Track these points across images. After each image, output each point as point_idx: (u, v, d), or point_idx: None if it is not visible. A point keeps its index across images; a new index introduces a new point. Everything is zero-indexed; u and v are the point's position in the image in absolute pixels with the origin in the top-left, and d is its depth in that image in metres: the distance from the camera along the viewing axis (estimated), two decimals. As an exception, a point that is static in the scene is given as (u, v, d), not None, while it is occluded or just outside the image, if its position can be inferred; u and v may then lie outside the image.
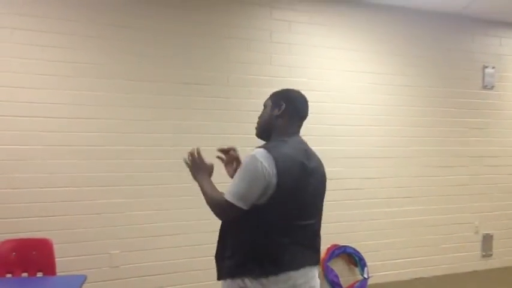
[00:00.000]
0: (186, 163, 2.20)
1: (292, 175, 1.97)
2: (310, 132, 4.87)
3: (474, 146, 5.83)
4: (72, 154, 4.10)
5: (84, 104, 4.15)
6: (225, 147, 2.35)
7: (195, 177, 2.17)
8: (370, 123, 5.29)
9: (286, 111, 2.15)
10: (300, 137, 2.18)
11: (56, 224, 4.01)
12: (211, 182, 2.13)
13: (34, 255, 3.46)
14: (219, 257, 2.07)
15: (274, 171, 1.91)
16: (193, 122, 4.46)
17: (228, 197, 1.94)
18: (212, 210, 2.01)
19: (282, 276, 1.93)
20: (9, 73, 3.93)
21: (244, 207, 1.93)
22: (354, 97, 5.21)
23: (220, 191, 2.06)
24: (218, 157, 2.37)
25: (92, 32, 4.19)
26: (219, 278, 2.06)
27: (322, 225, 4.90)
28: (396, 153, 5.41)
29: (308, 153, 2.11)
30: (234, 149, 2.36)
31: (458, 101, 5.76)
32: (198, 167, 2.18)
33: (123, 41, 4.29)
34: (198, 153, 2.19)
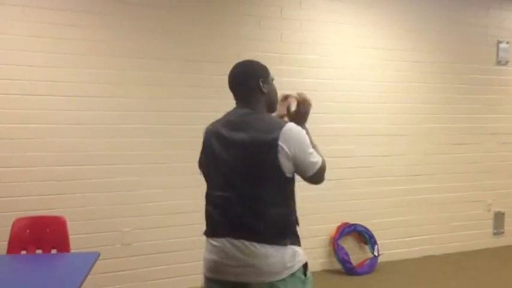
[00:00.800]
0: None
1: (207, 146, 2.14)
2: (321, 110, 4.86)
3: (487, 123, 5.77)
4: (85, 132, 4.12)
5: (95, 82, 4.15)
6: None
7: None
8: (382, 101, 5.23)
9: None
10: (238, 109, 2.12)
11: (69, 201, 4.05)
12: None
13: (48, 233, 3.50)
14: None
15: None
16: (205, 100, 4.44)
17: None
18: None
19: (208, 242, 2.14)
20: (21, 51, 3.92)
21: None
22: (365, 74, 5.15)
23: None
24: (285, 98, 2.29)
25: (103, 9, 4.16)
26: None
27: (333, 203, 4.90)
28: (408, 131, 5.36)
29: (235, 125, 2.03)
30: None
31: (471, 77, 5.67)
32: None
33: (135, 19, 4.26)
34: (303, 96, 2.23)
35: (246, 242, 1.93)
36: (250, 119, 2.02)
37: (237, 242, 1.94)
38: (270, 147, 1.91)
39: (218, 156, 2.03)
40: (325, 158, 2.04)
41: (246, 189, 1.96)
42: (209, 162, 2.09)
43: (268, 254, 1.91)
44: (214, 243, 2.02)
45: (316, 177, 2.02)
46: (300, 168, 1.98)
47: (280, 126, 1.95)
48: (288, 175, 1.97)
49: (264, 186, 1.95)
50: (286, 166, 1.94)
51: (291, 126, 1.98)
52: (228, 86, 2.18)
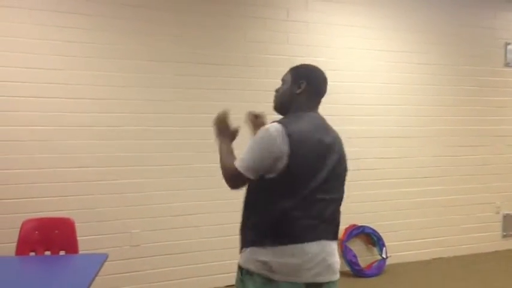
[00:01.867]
0: (213, 123, 2.24)
1: (307, 150, 1.97)
2: (329, 112, 4.79)
3: (496, 125, 5.74)
4: (92, 135, 4.14)
5: (102, 84, 4.17)
6: (256, 112, 2.36)
7: (217, 136, 2.21)
8: (389, 103, 5.22)
9: (306, 90, 2.14)
10: (318, 113, 2.18)
11: (78, 203, 4.07)
12: (229, 147, 2.15)
13: (56, 234, 3.51)
14: (242, 227, 2.09)
15: (287, 145, 1.92)
16: (211, 102, 4.44)
17: (237, 164, 1.98)
18: (223, 174, 2.05)
19: (295, 248, 1.94)
20: (28, 54, 3.95)
21: (252, 177, 1.96)
22: (372, 76, 5.15)
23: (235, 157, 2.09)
24: (248, 120, 2.37)
25: (110, 12, 4.18)
26: (241, 248, 2.06)
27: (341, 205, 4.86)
28: (415, 133, 5.34)
29: (325, 128, 2.11)
30: (263, 115, 2.36)
31: (479, 79, 5.65)
32: (222, 129, 2.21)
33: (141, 22, 4.28)
34: (225, 113, 2.23)
35: (336, 243, 2.13)
36: (328, 124, 2.18)
37: (334, 243, 2.09)
38: (344, 155, 2.21)
39: (320, 159, 2.03)
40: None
41: (341, 192, 2.21)
42: (306, 165, 1.98)
43: None
44: (308, 246, 1.96)
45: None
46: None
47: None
48: None
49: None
50: None
51: None
52: (321, 89, 2.26)
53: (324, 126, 2.11)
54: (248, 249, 2.00)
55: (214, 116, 2.23)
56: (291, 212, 1.95)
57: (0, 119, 3.88)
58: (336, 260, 2.06)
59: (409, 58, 5.31)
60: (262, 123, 2.30)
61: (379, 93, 5.17)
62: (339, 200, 2.15)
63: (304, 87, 2.14)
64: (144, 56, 4.30)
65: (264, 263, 1.93)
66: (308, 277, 1.94)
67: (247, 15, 4.66)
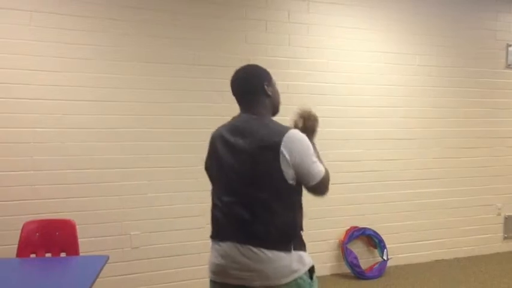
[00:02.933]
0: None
1: (212, 152, 2.17)
2: (330, 114, 4.85)
3: (497, 126, 5.73)
4: (92, 136, 4.14)
5: (103, 86, 4.17)
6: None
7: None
8: (390, 105, 5.22)
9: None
10: (242, 115, 2.12)
11: (78, 205, 4.07)
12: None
13: (57, 236, 3.52)
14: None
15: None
16: (212, 104, 4.45)
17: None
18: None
19: (212, 245, 2.16)
20: (29, 56, 3.96)
21: None
22: (373, 78, 5.15)
23: None
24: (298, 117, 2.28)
25: (110, 14, 4.19)
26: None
27: (342, 207, 4.90)
28: (417, 135, 5.34)
29: (240, 132, 2.04)
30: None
31: (481, 80, 5.64)
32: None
33: (142, 23, 4.29)
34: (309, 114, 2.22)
35: (252, 248, 1.93)
36: (255, 124, 2.02)
37: (242, 247, 1.95)
38: (272, 153, 1.92)
39: (224, 161, 2.04)
40: (329, 170, 2.02)
41: (251, 194, 1.97)
42: (215, 167, 2.11)
43: (274, 259, 1.92)
44: (220, 247, 2.03)
45: (319, 188, 2.00)
46: (302, 176, 1.96)
47: (283, 132, 1.95)
48: (290, 182, 1.95)
49: (267, 192, 1.95)
50: (288, 173, 1.93)
51: (294, 132, 1.98)
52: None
53: (238, 128, 2.06)
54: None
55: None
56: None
57: (1, 121, 3.88)
58: (223, 261, 2.04)
59: (411, 60, 5.31)
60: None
61: (380, 95, 5.16)
62: (244, 204, 2.00)
63: None
64: (144, 58, 4.30)
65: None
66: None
67: (248, 17, 4.66)
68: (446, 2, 5.46)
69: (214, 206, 2.11)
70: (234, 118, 2.14)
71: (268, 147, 1.93)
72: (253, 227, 1.95)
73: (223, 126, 2.14)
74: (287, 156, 1.91)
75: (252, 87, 2.11)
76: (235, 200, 2.00)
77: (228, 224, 2.02)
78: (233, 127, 2.07)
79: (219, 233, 2.07)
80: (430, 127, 5.40)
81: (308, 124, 2.17)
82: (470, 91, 5.59)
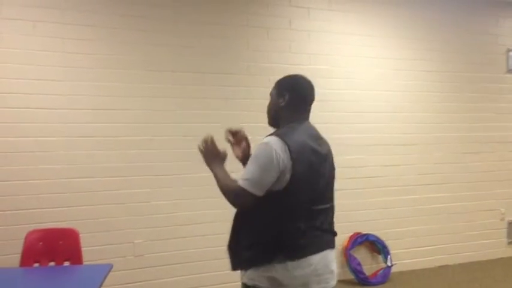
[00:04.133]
0: (200, 150, 2.21)
1: (305, 161, 1.98)
2: (332, 120, 4.86)
3: (499, 131, 5.73)
4: (95, 145, 4.15)
5: (105, 95, 4.19)
6: (233, 128, 2.35)
7: (208, 164, 2.18)
8: (392, 110, 5.22)
9: (290, 101, 2.13)
10: (309, 123, 2.17)
11: (81, 214, 4.07)
12: (224, 170, 2.13)
13: (61, 245, 3.52)
14: (235, 247, 2.06)
15: (288, 157, 1.93)
16: (213, 111, 4.46)
17: (243, 183, 1.94)
18: (226, 197, 2.01)
19: (303, 261, 1.95)
20: (32, 65, 3.98)
21: (259, 194, 1.94)
22: (375, 83, 5.15)
23: (233, 178, 2.06)
24: (227, 139, 2.35)
25: (111, 23, 4.21)
26: (235, 268, 2.05)
27: (345, 213, 4.89)
28: (419, 140, 5.34)
29: (318, 138, 2.12)
30: (242, 131, 2.36)
31: (482, 85, 5.65)
32: (212, 154, 2.18)
33: (143, 32, 4.31)
34: (212, 140, 2.19)
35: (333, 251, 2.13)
36: (319, 134, 2.16)
37: (332, 252, 2.11)
38: (334, 164, 2.20)
39: (316, 169, 2.04)
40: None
41: (332, 199, 2.17)
42: (306, 176, 1.99)
43: None
44: (315, 258, 1.99)
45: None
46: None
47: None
48: None
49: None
50: None
51: None
52: (309, 98, 2.21)
53: (316, 136, 2.12)
54: (250, 270, 2.00)
55: (200, 140, 2.23)
56: (295, 225, 1.96)
57: (5, 130, 3.90)
58: (335, 267, 2.11)
59: (412, 65, 5.32)
60: (244, 138, 2.34)
61: (381, 101, 5.17)
62: (333, 208, 2.16)
63: (288, 98, 2.13)
64: (147, 66, 4.32)
65: (273, 279, 1.94)
66: (315, 286, 1.96)
67: (250, 25, 4.68)
68: (447, 7, 5.47)
69: (301, 219, 1.99)
70: (305, 125, 2.13)
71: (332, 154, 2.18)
72: (335, 231, 2.16)
73: (296, 133, 2.03)
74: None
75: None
76: (328, 207, 2.11)
77: (324, 233, 2.07)
78: (313, 135, 2.11)
79: (315, 246, 2.01)
80: (432, 132, 5.40)
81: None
82: (471, 96, 5.59)
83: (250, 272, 2.00)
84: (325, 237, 2.05)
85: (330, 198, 2.13)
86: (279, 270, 1.93)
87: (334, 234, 2.14)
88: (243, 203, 1.99)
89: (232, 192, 1.99)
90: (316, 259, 1.98)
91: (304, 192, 1.98)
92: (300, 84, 2.19)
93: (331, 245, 2.09)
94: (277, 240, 1.95)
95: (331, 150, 2.18)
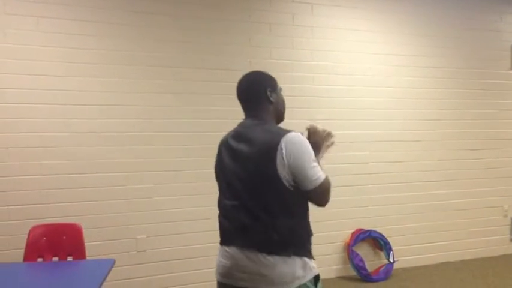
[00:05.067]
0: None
1: (218, 156, 2.19)
2: (334, 116, 4.86)
3: (503, 128, 5.71)
4: (98, 140, 4.16)
5: (108, 90, 4.20)
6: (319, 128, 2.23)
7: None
8: (395, 107, 5.21)
9: None
10: (246, 121, 2.12)
11: (84, 209, 4.09)
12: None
13: (64, 240, 3.54)
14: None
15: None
16: (216, 107, 4.47)
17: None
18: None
19: (220, 249, 2.17)
20: (36, 61, 3.99)
21: None
22: (377, 80, 5.14)
23: None
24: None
25: (115, 19, 4.22)
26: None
27: (347, 209, 4.88)
28: (422, 137, 5.33)
29: (241, 137, 2.05)
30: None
31: (486, 82, 5.63)
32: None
33: (147, 27, 4.31)
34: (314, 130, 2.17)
35: (256, 252, 1.93)
36: (257, 129, 2.02)
37: (247, 251, 1.96)
38: (270, 156, 1.90)
39: (227, 166, 2.08)
40: (336, 171, 1.99)
41: (252, 199, 1.96)
42: (220, 172, 2.15)
43: (278, 265, 1.91)
44: (226, 249, 2.06)
45: (316, 194, 1.95)
46: (299, 180, 1.92)
47: (283, 134, 1.93)
48: (288, 185, 1.92)
49: (268, 197, 1.93)
50: (284, 176, 1.90)
51: (294, 134, 1.94)
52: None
53: (241, 134, 2.07)
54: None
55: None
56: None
57: (9, 126, 3.91)
58: (245, 267, 1.97)
59: (415, 62, 5.31)
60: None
61: (384, 97, 5.16)
62: (246, 207, 1.99)
63: None
64: (150, 62, 4.32)
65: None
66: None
67: (252, 21, 4.68)
68: (450, 3, 5.45)
69: (220, 211, 2.16)
70: (239, 124, 2.15)
71: (268, 149, 1.91)
72: (255, 231, 1.95)
73: (230, 132, 2.17)
74: (284, 157, 1.88)
75: (255, 93, 2.12)
76: (238, 205, 2.00)
77: (232, 229, 2.04)
78: (237, 133, 2.10)
79: (225, 238, 2.11)
80: (435, 129, 5.39)
81: (313, 139, 2.12)
82: (475, 92, 5.58)
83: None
84: (232, 232, 2.04)
85: (239, 197, 2.00)
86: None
87: (244, 232, 1.99)
88: None
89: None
90: (223, 251, 2.07)
91: (219, 186, 2.16)
92: (237, 85, 2.22)
93: (236, 242, 2.01)
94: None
95: (262, 149, 1.94)
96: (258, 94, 2.11)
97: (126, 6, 4.25)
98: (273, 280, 1.91)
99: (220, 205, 2.15)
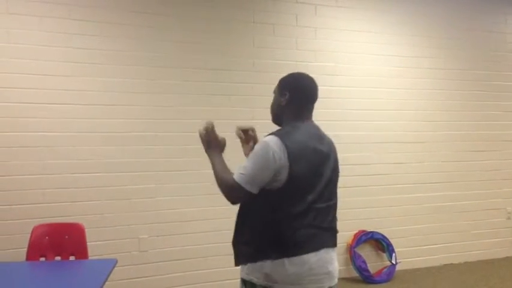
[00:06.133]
0: (200, 136, 2.20)
1: (304, 161, 1.98)
2: (337, 117, 4.85)
3: (506, 129, 5.70)
4: (101, 140, 4.17)
5: (111, 91, 4.20)
6: (245, 126, 2.34)
7: (207, 151, 2.18)
8: (398, 108, 5.20)
9: (291, 100, 2.13)
10: (312, 122, 2.15)
11: (87, 209, 4.10)
12: (222, 161, 2.12)
13: (66, 240, 3.54)
14: (236, 243, 2.09)
15: (286, 157, 1.93)
16: (218, 107, 4.46)
17: (237, 178, 1.95)
18: (221, 189, 2.01)
19: (299, 259, 1.95)
20: (38, 61, 3.99)
21: (252, 191, 1.94)
22: (381, 81, 5.14)
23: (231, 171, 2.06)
24: (238, 135, 2.34)
25: (118, 19, 4.22)
26: (237, 263, 2.07)
27: (350, 210, 4.88)
28: (425, 138, 5.32)
29: (321, 138, 2.11)
30: (252, 129, 2.35)
31: (489, 83, 5.62)
32: (211, 141, 2.18)
33: (149, 28, 4.31)
34: (212, 127, 2.18)
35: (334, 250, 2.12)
36: (322, 131, 2.15)
37: (332, 250, 2.08)
38: (337, 155, 2.17)
39: (316, 169, 2.04)
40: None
41: (334, 199, 2.14)
42: (305, 176, 2.00)
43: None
44: (322, 253, 2.02)
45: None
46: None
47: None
48: None
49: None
50: None
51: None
52: (312, 97, 2.18)
53: (318, 135, 2.10)
54: (247, 265, 2.00)
55: (199, 128, 2.19)
56: (292, 222, 1.97)
57: (11, 125, 3.92)
58: (335, 267, 2.07)
59: (419, 63, 5.30)
60: (252, 137, 2.33)
61: (388, 99, 5.15)
62: (335, 206, 2.14)
63: (289, 97, 2.12)
64: (152, 63, 4.32)
65: (268, 276, 1.94)
66: (309, 285, 1.96)
67: (256, 21, 4.68)
68: (454, 5, 5.44)
69: (306, 217, 2.00)
70: (310, 125, 2.13)
71: (335, 149, 2.16)
72: (337, 229, 2.14)
73: (292, 134, 2.03)
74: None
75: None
76: (331, 204, 2.10)
77: (325, 231, 2.06)
78: (314, 135, 2.10)
79: (317, 243, 2.02)
80: (439, 130, 5.37)
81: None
82: (479, 94, 5.56)
83: (248, 267, 2.01)
84: (324, 235, 2.04)
85: (331, 196, 2.11)
86: (275, 267, 1.93)
87: (333, 232, 2.12)
88: (236, 197, 2.00)
89: (226, 185, 1.99)
90: (312, 258, 1.97)
91: (303, 192, 1.99)
92: (301, 84, 2.17)
93: (330, 243, 2.07)
94: (274, 238, 1.96)
95: (334, 149, 2.15)
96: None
97: (129, 6, 4.26)
98: (334, 274, 2.07)
99: (303, 210, 1.99)
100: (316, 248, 1.99)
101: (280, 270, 1.93)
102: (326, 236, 2.05)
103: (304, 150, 2.00)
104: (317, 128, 2.13)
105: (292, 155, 1.94)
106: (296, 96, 2.12)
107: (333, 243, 2.09)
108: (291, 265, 1.93)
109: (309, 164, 1.99)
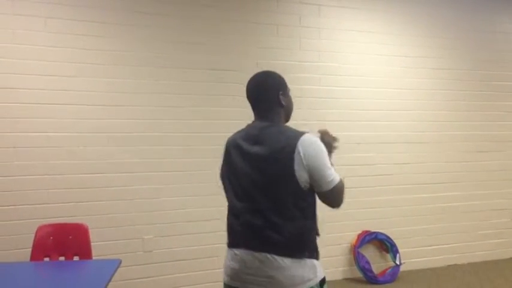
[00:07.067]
0: (334, 147, 2.17)
1: (227, 158, 2.15)
2: (341, 118, 4.85)
3: (511, 130, 5.67)
4: (106, 141, 4.17)
5: (116, 91, 4.21)
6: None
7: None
8: (402, 108, 5.19)
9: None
10: (257, 122, 2.10)
11: (91, 209, 4.10)
12: None
13: (70, 240, 3.55)
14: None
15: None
16: (223, 108, 4.47)
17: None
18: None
19: (228, 252, 2.15)
20: (44, 62, 4.01)
21: None
22: (385, 81, 5.13)
23: None
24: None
25: (124, 19, 4.23)
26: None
27: (353, 211, 4.87)
28: (430, 138, 5.30)
29: (254, 138, 2.03)
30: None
31: (493, 84, 5.60)
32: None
33: (154, 28, 4.32)
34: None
35: (267, 254, 1.93)
36: (271, 131, 2.01)
37: (257, 253, 1.95)
38: (287, 157, 1.90)
39: (239, 168, 2.04)
40: (343, 179, 1.99)
41: (265, 201, 1.95)
42: (230, 174, 2.10)
43: (288, 267, 1.91)
44: (236, 252, 2.04)
45: (331, 195, 1.97)
46: (316, 181, 1.92)
47: (299, 136, 1.94)
48: (304, 186, 1.93)
49: (282, 199, 1.93)
50: (302, 176, 1.90)
51: (309, 136, 1.96)
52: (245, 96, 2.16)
53: (252, 135, 2.04)
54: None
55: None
56: (228, 218, 2.15)
57: (16, 126, 3.93)
58: (244, 267, 1.99)
59: (423, 63, 5.29)
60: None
61: (392, 99, 5.14)
62: (259, 210, 1.97)
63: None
64: (157, 63, 4.33)
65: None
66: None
67: (260, 22, 4.68)
68: (457, 4, 5.43)
69: (230, 213, 2.13)
70: (248, 126, 2.12)
71: (285, 151, 1.91)
72: (266, 233, 1.94)
73: (238, 132, 2.13)
74: (302, 158, 1.89)
75: (268, 96, 2.10)
76: (250, 207, 1.99)
77: (243, 231, 2.02)
78: (249, 135, 2.06)
79: (234, 240, 2.08)
80: (442, 131, 5.36)
81: (326, 139, 2.13)
82: (484, 94, 5.55)
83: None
84: (242, 234, 2.02)
85: (252, 199, 1.99)
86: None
87: (256, 234, 1.97)
88: None
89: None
90: (228, 253, 2.08)
91: (228, 187, 2.11)
92: (247, 85, 2.19)
93: (246, 244, 1.99)
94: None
95: (277, 151, 1.93)
96: (270, 98, 2.10)
97: (133, 7, 4.27)
98: (282, 283, 1.90)
99: (230, 206, 2.11)
100: (231, 245, 2.08)
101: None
102: (245, 235, 2.00)
103: (230, 147, 2.12)
104: (257, 129, 2.05)
105: (224, 152, 2.17)
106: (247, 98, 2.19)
107: (252, 246, 1.97)
108: (227, 256, 2.09)
109: (229, 162, 2.12)
